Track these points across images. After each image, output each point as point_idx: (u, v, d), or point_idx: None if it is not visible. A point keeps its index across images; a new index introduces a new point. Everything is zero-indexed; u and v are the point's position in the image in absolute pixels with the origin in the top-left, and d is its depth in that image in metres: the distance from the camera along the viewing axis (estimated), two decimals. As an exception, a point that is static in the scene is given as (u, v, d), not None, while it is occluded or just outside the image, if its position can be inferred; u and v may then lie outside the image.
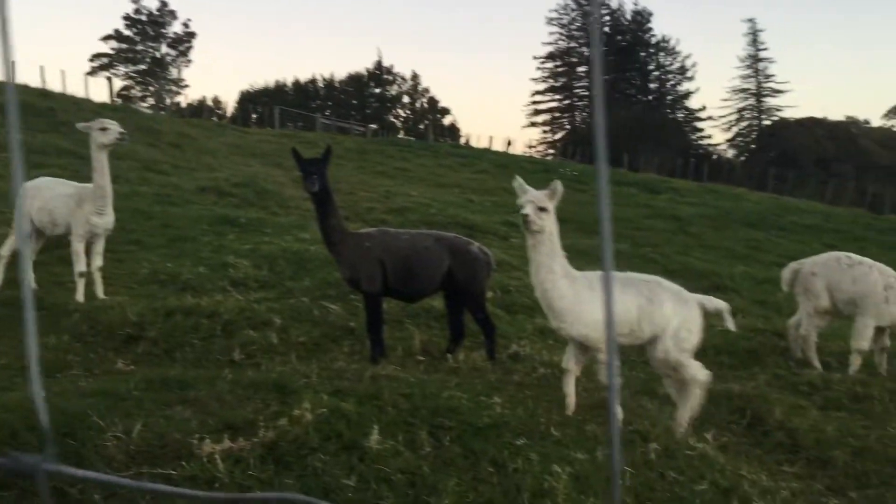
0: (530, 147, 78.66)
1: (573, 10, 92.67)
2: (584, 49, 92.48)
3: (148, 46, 78.11)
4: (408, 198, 20.49)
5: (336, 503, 3.75)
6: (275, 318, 7.72)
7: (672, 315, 5.48)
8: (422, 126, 79.25)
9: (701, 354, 8.56)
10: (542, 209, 5.23)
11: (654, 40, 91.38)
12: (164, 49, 78.45)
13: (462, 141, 68.77)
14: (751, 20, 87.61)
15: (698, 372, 5.59)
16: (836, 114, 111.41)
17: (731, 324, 5.95)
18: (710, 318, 10.35)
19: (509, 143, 63.81)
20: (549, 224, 5.28)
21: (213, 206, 15.55)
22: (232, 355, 6.75)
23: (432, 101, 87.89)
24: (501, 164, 36.88)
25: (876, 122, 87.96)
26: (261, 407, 4.65)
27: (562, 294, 5.28)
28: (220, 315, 7.66)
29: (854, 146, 71.86)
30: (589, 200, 27.30)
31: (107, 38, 76.28)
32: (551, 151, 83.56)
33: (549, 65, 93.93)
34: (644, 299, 5.42)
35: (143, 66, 77.89)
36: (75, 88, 61.96)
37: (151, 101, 69.27)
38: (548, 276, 5.30)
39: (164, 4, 77.36)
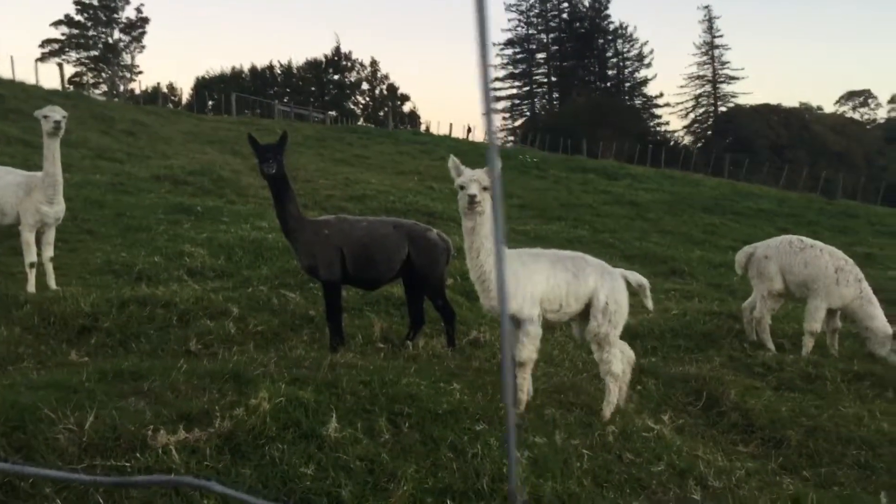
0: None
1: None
2: (543, 36, 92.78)
3: (100, 32, 76.33)
4: (367, 185, 20.39)
5: (294, 492, 3.72)
6: (232, 308, 7.62)
7: (597, 288, 5.52)
8: (381, 113, 78.83)
9: (658, 337, 8.76)
10: (485, 188, 5.12)
11: (611, 27, 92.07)
12: (117, 34, 76.82)
13: (422, 128, 68.57)
14: (706, 7, 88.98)
15: (616, 364, 5.61)
16: (790, 101, 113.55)
17: (649, 302, 5.97)
18: (668, 304, 10.52)
19: (469, 130, 63.87)
20: (488, 204, 5.20)
21: (168, 194, 15.29)
22: (188, 345, 6.63)
23: (392, 88, 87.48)
24: (462, 152, 36.39)
25: (829, 108, 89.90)
26: (217, 397, 4.58)
27: None
28: (176, 305, 7.53)
29: (807, 132, 73.29)
30: (549, 187, 27.54)
31: (57, 23, 74.39)
32: (511, 138, 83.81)
33: (509, 51, 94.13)
34: (570, 275, 5.49)
35: (95, 52, 76.12)
36: (25, 75, 60.30)
37: (104, 87, 67.83)
38: (488, 258, 5.27)
39: (116, -11, 75.64)
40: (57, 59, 67.30)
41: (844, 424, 6.21)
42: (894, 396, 7.14)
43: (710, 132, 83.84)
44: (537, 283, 5.35)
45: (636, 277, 5.82)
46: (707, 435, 6.03)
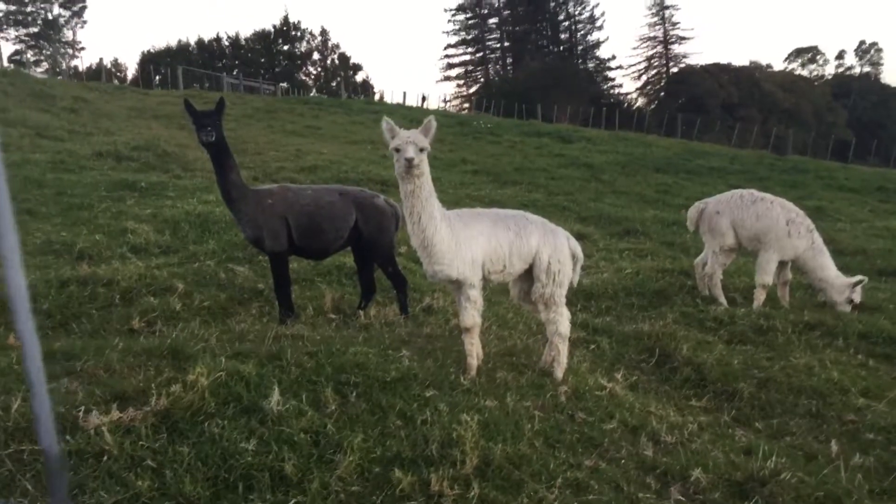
0: (445, 102, 78.23)
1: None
2: (495, 0, 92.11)
3: (38, 7, 73.83)
4: (319, 156, 20.07)
5: (235, 469, 3.59)
6: (177, 284, 7.39)
7: (539, 246, 5.40)
8: (334, 84, 77.78)
9: (612, 296, 8.75)
10: (422, 149, 4.88)
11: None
12: (57, 10, 74.41)
13: (376, 97, 67.89)
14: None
15: (564, 324, 5.53)
16: (740, 59, 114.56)
17: (576, 277, 5.67)
18: (622, 263, 10.52)
19: (423, 99, 63.48)
20: (426, 165, 5.00)
21: (111, 171, 14.82)
22: (131, 324, 6.41)
23: (343, 58, 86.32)
24: (415, 120, 36.28)
25: (778, 66, 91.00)
26: (153, 374, 4.39)
27: (443, 237, 5.05)
28: (119, 283, 7.28)
29: (758, 90, 74.14)
30: (503, 152, 27.51)
31: (-8, -1, 71.72)
32: (466, 105, 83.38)
33: (461, 17, 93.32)
34: (513, 233, 5.34)
35: (34, 29, 73.67)
36: (-40, 54, 58.09)
37: (46, 65, 65.78)
38: (430, 222, 5.01)
39: (54, -37, 73.14)
40: (-6, 37, 65.09)
41: (795, 375, 6.27)
42: (844, 345, 7.24)
43: (662, 93, 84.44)
44: (478, 245, 5.20)
45: (576, 247, 5.64)
46: (660, 391, 6.03)
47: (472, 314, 5.29)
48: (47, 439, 0.61)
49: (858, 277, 8.46)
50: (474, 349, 5.42)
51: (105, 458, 3.56)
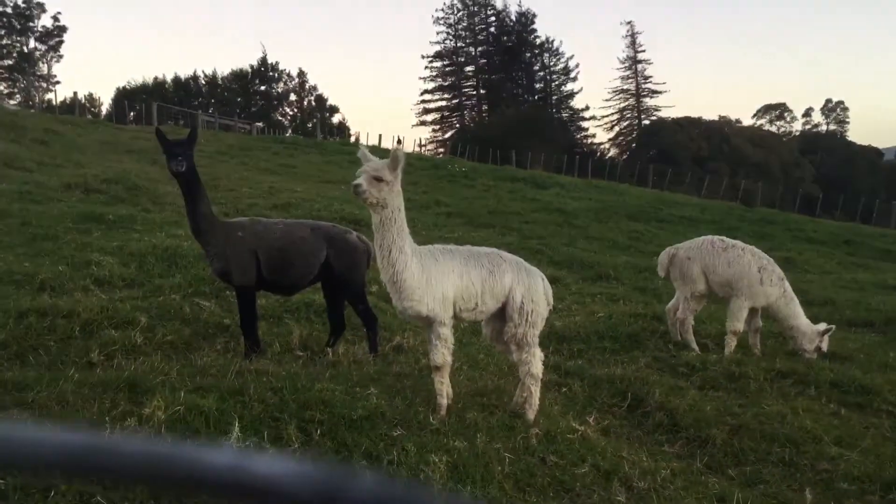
0: (420, 146, 78.65)
1: (459, 10, 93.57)
2: (472, 49, 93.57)
3: (14, 40, 73.50)
4: (292, 193, 19.93)
5: (190, 507, 3.41)
6: (140, 317, 7.19)
7: (513, 285, 5.31)
8: (310, 125, 78.01)
9: (584, 340, 8.67)
10: (379, 179, 4.81)
11: (538, 41, 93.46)
12: (33, 43, 74.06)
13: (352, 139, 68.07)
14: (629, 23, 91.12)
15: (537, 365, 5.44)
16: (710, 114, 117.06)
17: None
18: (594, 307, 10.47)
19: (399, 142, 63.69)
20: (391, 198, 4.89)
21: (79, 203, 14.57)
22: (90, 357, 6.20)
23: (320, 99, 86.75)
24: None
25: (747, 121, 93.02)
26: (108, 407, 4.21)
27: (412, 273, 4.97)
28: (79, 315, 7.06)
29: (727, 144, 75.60)
30: (477, 195, 27.57)
31: (-32, 31, 71.36)
32: (441, 150, 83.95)
33: (437, 64, 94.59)
34: (486, 271, 5.25)
35: (9, 62, 73.24)
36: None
37: (19, 98, 65.29)
38: (399, 256, 4.94)
39: (32, -3, 73.01)
40: (-32, 69, 64.64)
41: (768, 422, 6.21)
42: (816, 394, 7.20)
43: (634, 144, 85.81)
44: (449, 282, 5.10)
45: (548, 289, 5.56)
46: (632, 436, 5.93)
47: (442, 353, 5.17)
48: None
49: (826, 325, 8.48)
50: (444, 388, 5.28)
51: (52, 493, 3.37)
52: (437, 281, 5.04)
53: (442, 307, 5.08)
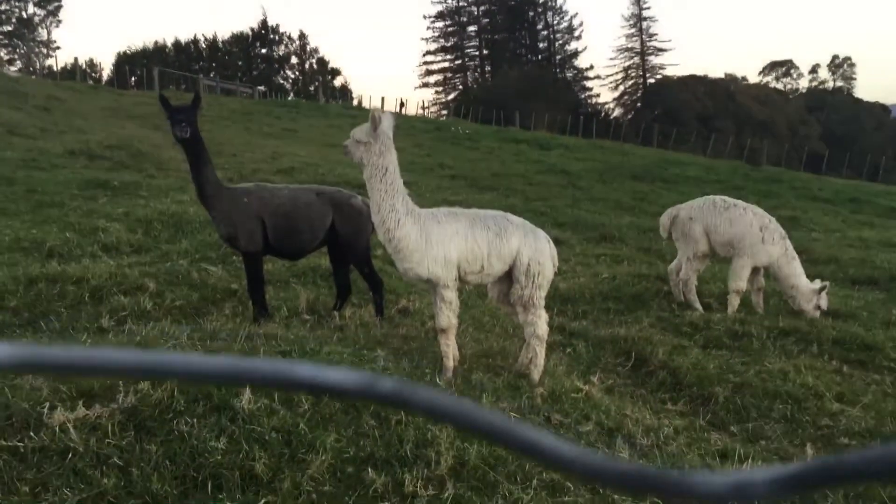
0: (423, 108, 78.18)
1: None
2: (474, 8, 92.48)
3: (13, 6, 72.82)
4: (295, 158, 19.94)
5: (204, 467, 3.50)
6: (148, 283, 7.27)
7: (520, 248, 5.37)
8: (312, 88, 77.51)
9: (588, 301, 8.74)
10: (359, 141, 5.15)
11: (541, 0, 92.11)
12: (31, 8, 73.37)
13: (354, 103, 67.68)
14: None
15: (542, 327, 5.51)
16: (715, 72, 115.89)
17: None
18: (598, 268, 10.52)
19: (402, 104, 63.39)
20: (371, 157, 5.11)
21: (83, 169, 14.62)
22: (100, 322, 6.29)
23: (322, 62, 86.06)
24: (394, 125, 36.47)
25: (753, 78, 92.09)
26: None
27: (407, 232, 5.08)
28: (88, 281, 7.16)
29: (733, 102, 74.91)
30: (481, 157, 27.51)
31: (-35, -4, 70.72)
32: (444, 112, 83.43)
33: (440, 24, 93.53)
34: (492, 234, 5.30)
35: (8, 27, 72.65)
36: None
37: (20, 64, 64.93)
38: (390, 214, 5.08)
39: (29, -39, 72.22)
40: (-34, 35, 64.20)
41: (770, 380, 6.28)
42: (818, 351, 7.27)
43: (639, 104, 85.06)
44: (453, 244, 5.16)
45: (553, 252, 5.62)
46: (636, 394, 6.02)
47: (447, 315, 5.24)
48: None
49: (821, 283, 8.48)
50: (450, 350, 5.37)
51: (70, 455, 3.46)
52: (438, 243, 5.10)
53: (444, 269, 5.14)
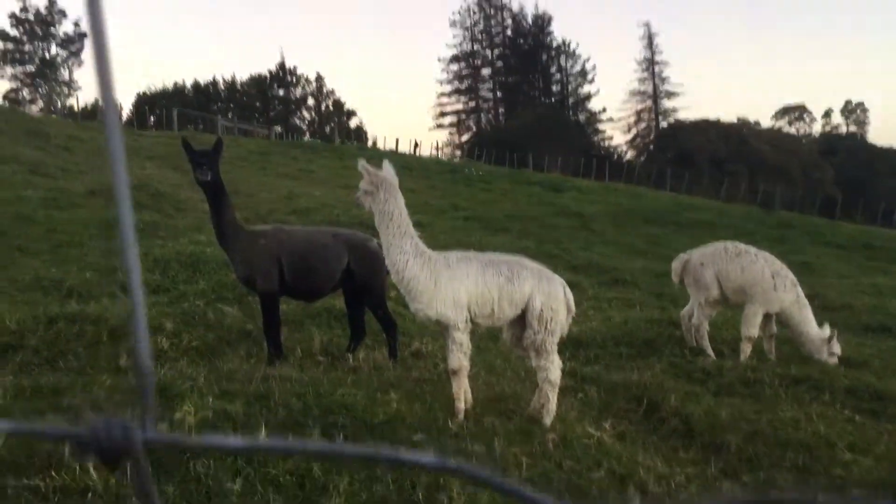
0: (437, 149, 78.91)
1: (475, 13, 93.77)
2: (488, 51, 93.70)
3: (36, 46, 74.44)
4: (311, 198, 20.17)
5: (220, 509, 3.56)
6: (166, 323, 7.38)
7: (533, 293, 5.46)
8: (328, 129, 78.46)
9: (601, 345, 8.76)
10: (366, 191, 5.44)
11: (554, 44, 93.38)
12: (54, 49, 74.96)
13: (369, 143, 68.43)
14: (646, 24, 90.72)
15: (554, 371, 5.57)
16: (728, 116, 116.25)
17: (565, 327, 5.80)
18: (610, 312, 10.55)
19: (416, 145, 63.95)
20: (381, 205, 5.36)
21: (103, 209, 14.85)
22: (118, 362, 6.39)
23: (338, 104, 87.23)
24: (407, 166, 36.88)
25: (766, 123, 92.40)
26: (140, 412, 4.37)
27: (415, 274, 5.26)
28: (107, 321, 7.27)
29: (746, 146, 75.05)
30: (494, 199, 27.62)
31: (-10, 37, 72.41)
32: (458, 153, 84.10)
33: (454, 67, 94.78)
34: (503, 279, 5.41)
35: (31, 68, 74.18)
36: (-44, 90, 58.45)
37: (41, 103, 66.16)
38: (398, 256, 5.29)
39: (53, 3, 73.94)
40: (-10, 75, 65.60)
41: (782, 428, 6.25)
42: (830, 399, 7.24)
43: (651, 146, 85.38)
44: (463, 288, 5.28)
45: (570, 298, 5.69)
46: (648, 441, 6.01)
47: (458, 357, 5.32)
48: (144, 359, 0.67)
49: (829, 330, 8.47)
50: (462, 392, 5.43)
51: (90, 495, 3.53)
52: (448, 285, 5.24)
53: (453, 311, 5.25)
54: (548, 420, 5.52)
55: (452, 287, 5.24)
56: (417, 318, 5.55)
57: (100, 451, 0.70)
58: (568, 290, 5.69)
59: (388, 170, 5.49)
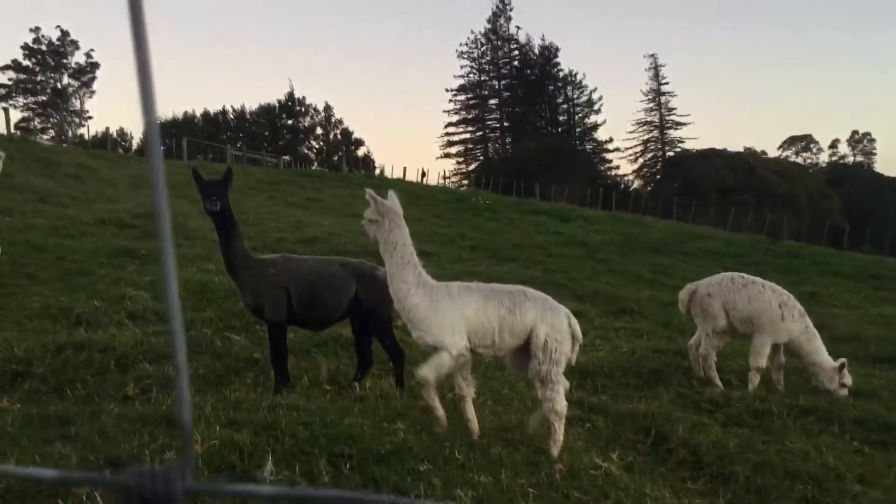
0: (445, 178, 79.28)
1: (483, 44, 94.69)
2: (495, 82, 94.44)
3: (48, 77, 75.44)
4: (319, 227, 20.25)
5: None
6: (173, 351, 7.40)
7: (536, 323, 5.47)
8: (336, 158, 78.97)
9: (608, 375, 8.74)
10: (371, 220, 5.58)
11: (561, 74, 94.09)
12: (66, 80, 75.96)
13: (377, 172, 68.77)
14: (653, 55, 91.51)
15: (560, 402, 5.55)
16: (735, 145, 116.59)
17: (574, 356, 5.75)
18: (617, 342, 10.53)
19: (424, 174, 64.32)
20: (385, 234, 5.49)
21: (112, 238, 14.97)
22: (126, 390, 6.42)
23: (346, 133, 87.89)
24: (415, 195, 37.05)
25: (773, 152, 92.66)
26: (147, 441, 4.40)
27: (416, 303, 5.37)
28: (115, 349, 7.33)
29: (753, 176, 75.19)
30: (501, 228, 27.66)
31: (4, 68, 73.45)
32: (465, 182, 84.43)
33: (461, 97, 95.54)
34: (505, 310, 5.44)
35: (43, 97, 75.13)
36: (-31, 119, 59.05)
37: (53, 133, 66.82)
38: (400, 285, 5.41)
39: (66, 34, 75.08)
40: (3, 104, 66.36)
41: (791, 459, 6.22)
42: (839, 431, 7.20)
43: (658, 176, 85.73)
44: (462, 317, 5.33)
45: (576, 326, 5.68)
46: (656, 472, 5.98)
47: (429, 368, 5.41)
48: (185, 414, 0.75)
49: (840, 361, 8.45)
50: (436, 402, 5.55)
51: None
52: (447, 314, 5.31)
53: (451, 338, 5.29)
54: (555, 451, 5.50)
55: (452, 316, 5.31)
56: (419, 344, 5.63)
57: (143, 500, 0.78)
58: (573, 319, 5.70)
59: (393, 200, 5.60)
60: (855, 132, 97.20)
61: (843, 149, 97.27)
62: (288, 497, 0.78)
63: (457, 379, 5.63)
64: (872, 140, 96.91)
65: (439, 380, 5.50)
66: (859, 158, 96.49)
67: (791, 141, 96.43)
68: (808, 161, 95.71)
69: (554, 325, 5.48)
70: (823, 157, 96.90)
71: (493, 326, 5.39)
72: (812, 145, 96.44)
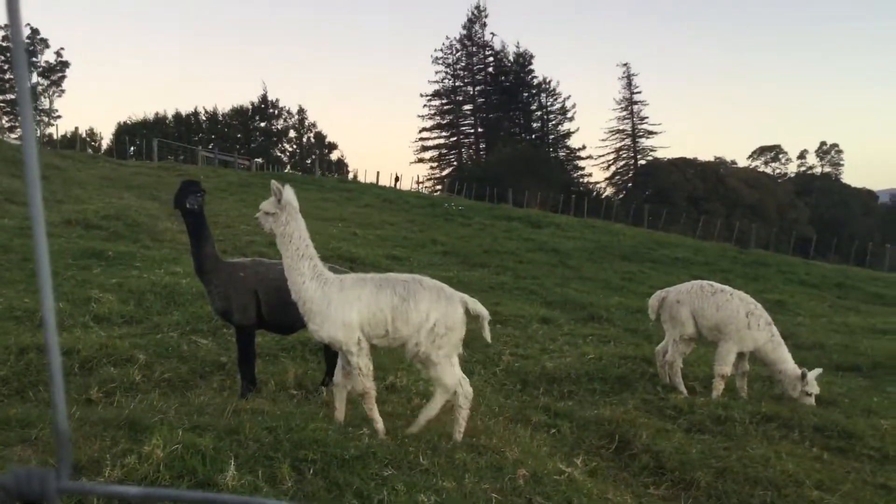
0: (418, 183, 79.22)
1: (458, 50, 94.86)
2: (470, 88, 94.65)
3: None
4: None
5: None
6: (138, 354, 7.34)
7: (429, 312, 5.48)
8: (309, 161, 78.66)
9: (574, 380, 8.81)
10: (268, 212, 5.60)
11: (535, 82, 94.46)
12: (35, 78, 74.82)
13: (350, 176, 68.65)
14: (625, 65, 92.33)
15: (449, 377, 5.61)
16: (705, 155, 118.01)
17: (486, 334, 5.82)
18: (585, 348, 10.60)
19: (397, 179, 64.25)
20: (281, 227, 5.53)
21: (79, 239, 14.77)
22: (89, 394, 6.34)
23: (319, 136, 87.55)
24: (387, 199, 37.05)
25: (742, 162, 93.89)
26: (108, 445, 4.36)
27: (311, 296, 5.43)
28: (79, 352, 7.22)
29: (722, 185, 76.18)
30: (473, 234, 27.68)
31: (-29, 65, 72.22)
32: (439, 187, 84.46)
33: (436, 102, 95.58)
34: (398, 299, 5.45)
35: (11, 96, 73.96)
36: (-66, 117, 58.04)
37: (20, 132, 65.83)
38: (296, 277, 5.47)
39: (36, 32, 74.03)
40: (-31, 102, 65.31)
41: (752, 465, 6.32)
42: (799, 437, 7.32)
43: (630, 184, 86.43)
44: (353, 310, 5.35)
45: (476, 306, 5.69)
46: (619, 477, 6.05)
47: (362, 381, 5.46)
48: (60, 417, 0.80)
49: (801, 370, 8.58)
50: (376, 413, 5.57)
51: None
52: (338, 308, 5.35)
53: (343, 333, 5.34)
54: (458, 436, 5.59)
55: (343, 310, 5.34)
56: (315, 338, 5.66)
57: (21, 497, 0.83)
58: (473, 301, 5.70)
59: (289, 193, 5.61)
60: (823, 143, 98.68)
61: (812, 159, 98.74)
62: (150, 497, 0.83)
63: (338, 366, 5.72)
64: (840, 151, 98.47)
65: (371, 383, 5.51)
66: (827, 169, 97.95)
67: (760, 151, 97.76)
68: (777, 171, 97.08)
69: (447, 314, 5.48)
70: (792, 168, 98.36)
71: (385, 316, 5.40)
72: (781, 155, 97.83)
